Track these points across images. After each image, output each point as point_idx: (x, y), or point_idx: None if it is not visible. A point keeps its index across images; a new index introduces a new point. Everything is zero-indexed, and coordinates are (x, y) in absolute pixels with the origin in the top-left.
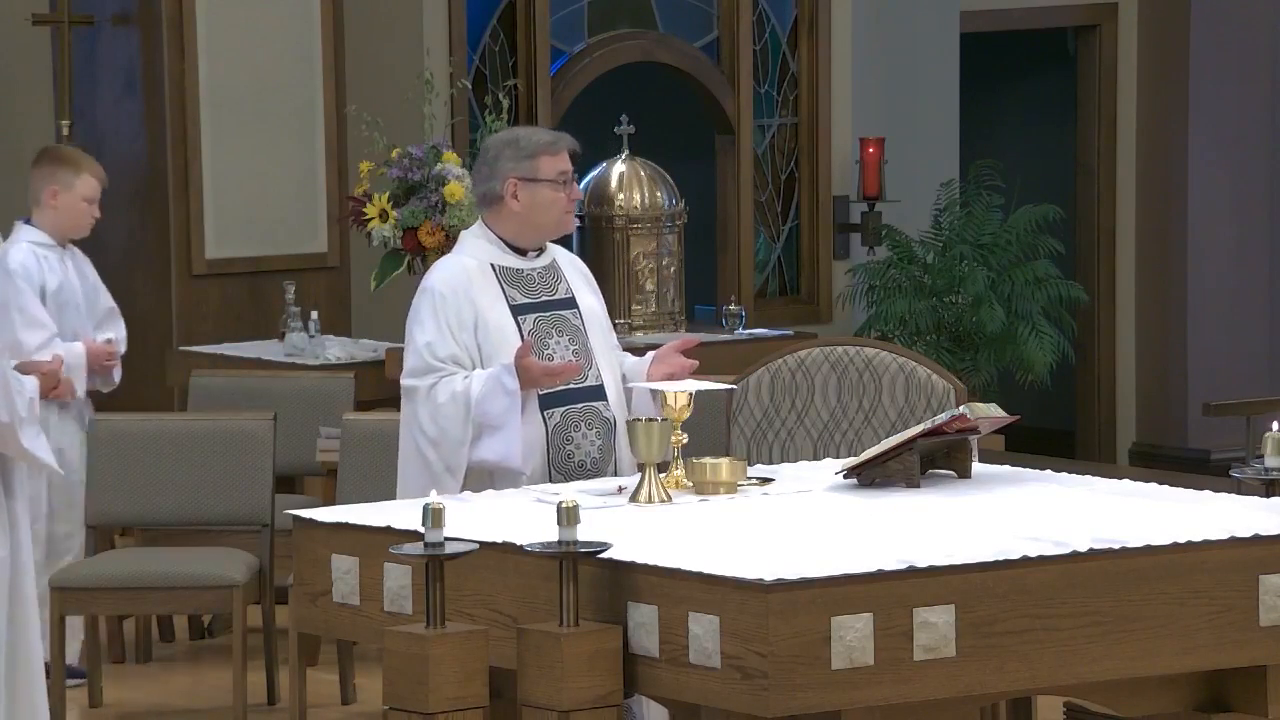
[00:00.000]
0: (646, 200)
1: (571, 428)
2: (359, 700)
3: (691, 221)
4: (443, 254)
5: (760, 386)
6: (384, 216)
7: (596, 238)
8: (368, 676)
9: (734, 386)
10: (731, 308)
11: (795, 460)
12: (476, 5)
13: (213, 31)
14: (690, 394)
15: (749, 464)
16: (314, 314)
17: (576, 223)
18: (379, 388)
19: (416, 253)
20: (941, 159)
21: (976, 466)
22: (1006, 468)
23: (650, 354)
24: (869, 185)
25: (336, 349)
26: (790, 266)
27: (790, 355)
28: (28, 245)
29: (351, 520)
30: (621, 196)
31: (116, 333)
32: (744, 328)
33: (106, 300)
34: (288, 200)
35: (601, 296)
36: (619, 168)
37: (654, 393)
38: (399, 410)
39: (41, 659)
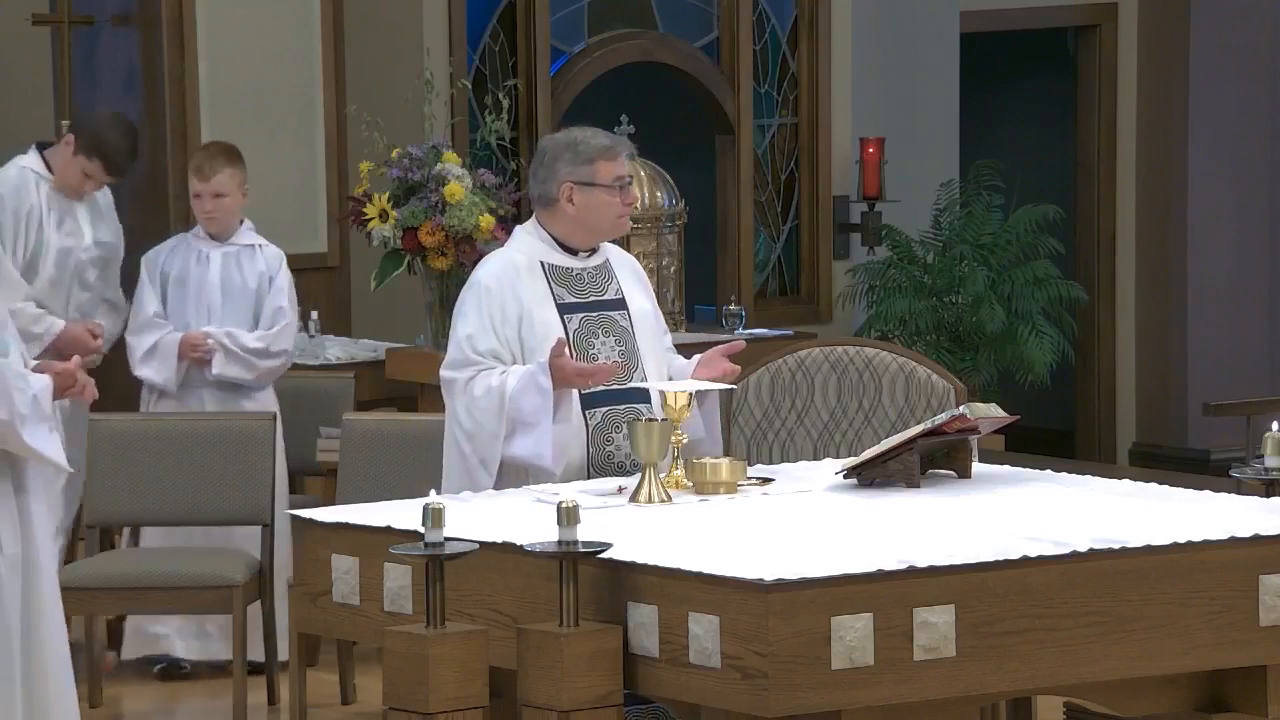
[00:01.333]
0: (646, 200)
1: (612, 428)
2: (359, 700)
3: (691, 221)
4: (443, 254)
5: (760, 386)
6: (384, 216)
7: None
8: (368, 676)
9: (734, 386)
10: (731, 308)
11: (795, 460)
12: (476, 5)
13: (213, 31)
14: (690, 394)
15: (749, 464)
16: (314, 314)
17: (631, 225)
18: (379, 388)
19: (416, 253)
20: (941, 159)
21: (976, 466)
22: (1006, 468)
23: (697, 357)
24: (869, 185)
25: (336, 349)
26: (790, 266)
27: (790, 355)
28: (179, 235)
29: (351, 520)
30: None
31: (272, 326)
32: (744, 328)
33: (275, 301)
34: (288, 200)
35: (654, 297)
36: None
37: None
38: (399, 411)
39: (62, 655)
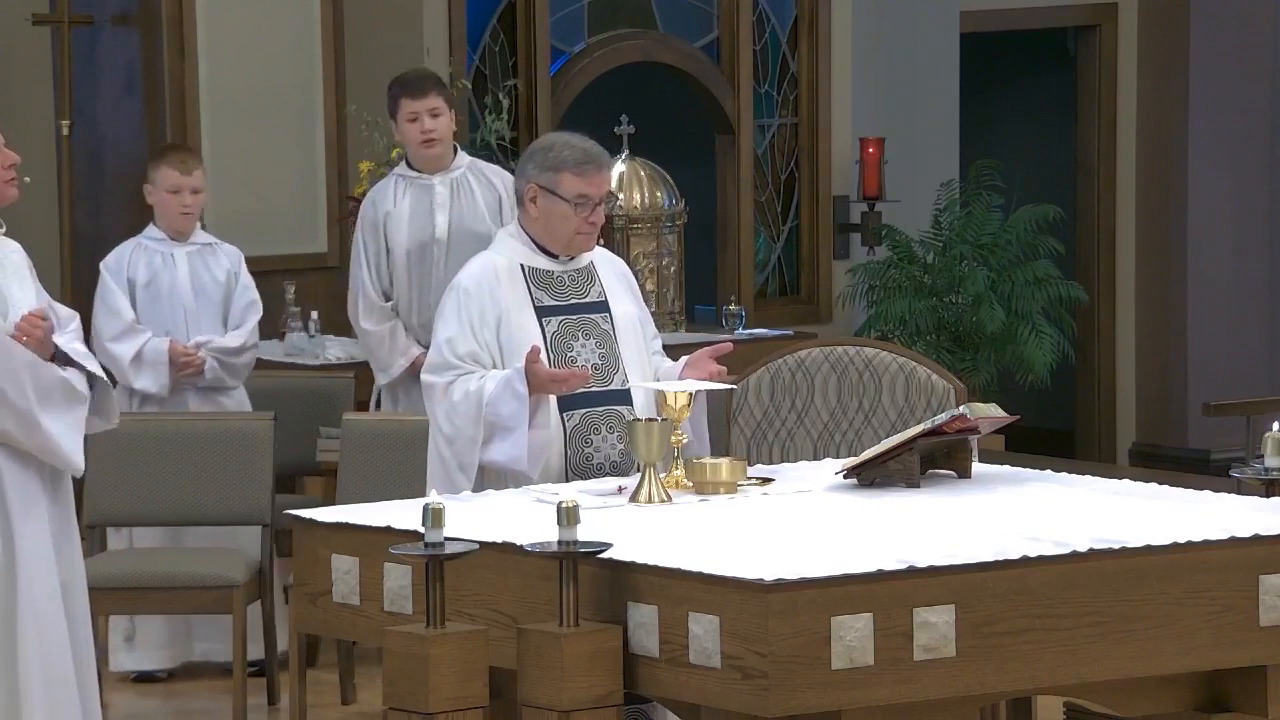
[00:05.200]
0: (646, 200)
1: (591, 430)
2: (359, 700)
3: (691, 221)
4: None
5: (760, 386)
6: None
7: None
8: (368, 676)
9: (734, 386)
10: (731, 308)
11: (795, 460)
12: (476, 5)
13: (213, 31)
14: (690, 394)
15: (749, 464)
16: (314, 314)
17: (598, 245)
18: None
19: None
20: (941, 159)
21: (976, 466)
22: (1006, 468)
23: (684, 359)
24: (869, 185)
25: (336, 349)
26: (790, 266)
27: (790, 355)
28: (132, 240)
29: (351, 520)
30: (621, 196)
31: (242, 322)
32: (744, 328)
33: (246, 296)
34: (288, 200)
35: (642, 299)
36: (619, 168)
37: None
38: (399, 410)
39: (59, 657)
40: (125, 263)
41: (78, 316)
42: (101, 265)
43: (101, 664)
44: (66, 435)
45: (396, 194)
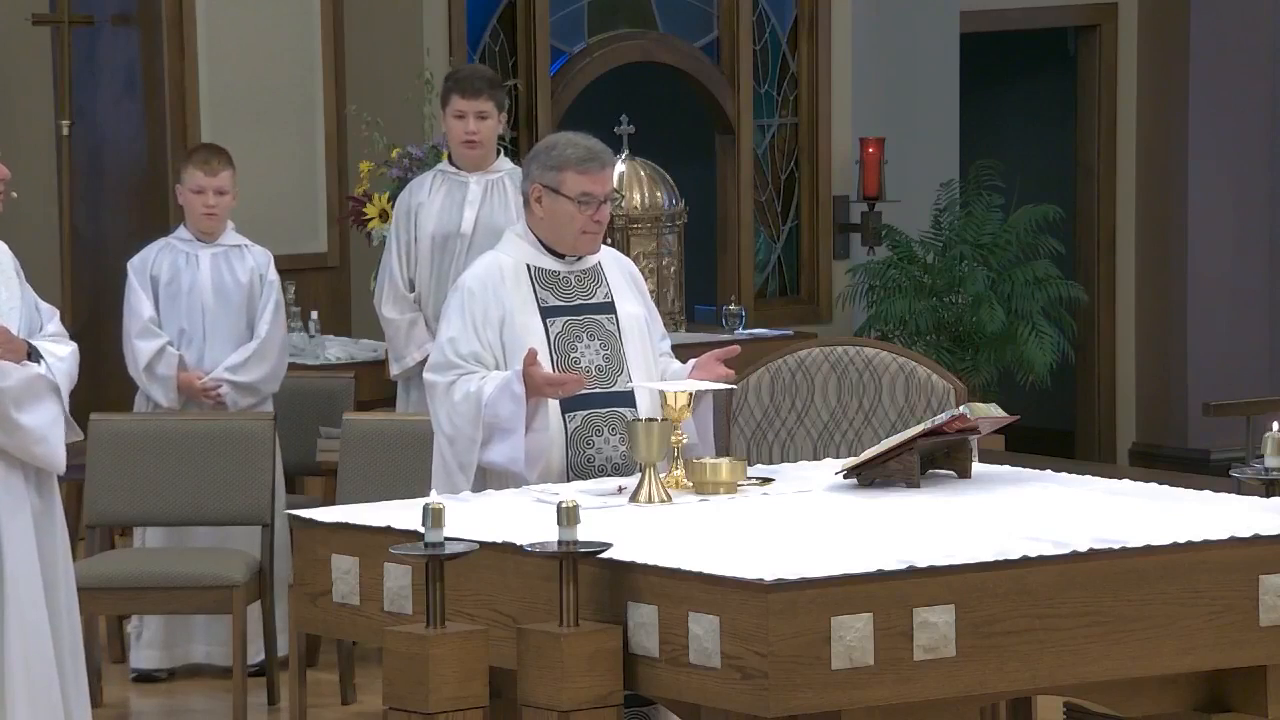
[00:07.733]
0: (646, 200)
1: (593, 432)
2: (359, 700)
3: (691, 221)
4: None
5: (760, 386)
6: (384, 216)
7: None
8: (368, 676)
9: (734, 386)
10: (731, 308)
11: (795, 460)
12: (476, 5)
13: (213, 31)
14: (690, 394)
15: (749, 464)
16: (314, 314)
17: (603, 245)
18: (379, 388)
19: None
20: (941, 159)
21: (976, 466)
22: (1006, 468)
23: (692, 361)
24: (869, 185)
25: (336, 349)
26: (790, 266)
27: (790, 355)
28: (161, 240)
29: (351, 520)
30: (622, 197)
31: (266, 326)
32: (744, 328)
33: (269, 298)
34: (288, 200)
35: (650, 301)
36: (619, 168)
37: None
38: (399, 411)
39: (43, 658)
40: (149, 262)
41: (58, 313)
42: (128, 264)
43: (105, 663)
44: (49, 431)
45: (432, 187)
